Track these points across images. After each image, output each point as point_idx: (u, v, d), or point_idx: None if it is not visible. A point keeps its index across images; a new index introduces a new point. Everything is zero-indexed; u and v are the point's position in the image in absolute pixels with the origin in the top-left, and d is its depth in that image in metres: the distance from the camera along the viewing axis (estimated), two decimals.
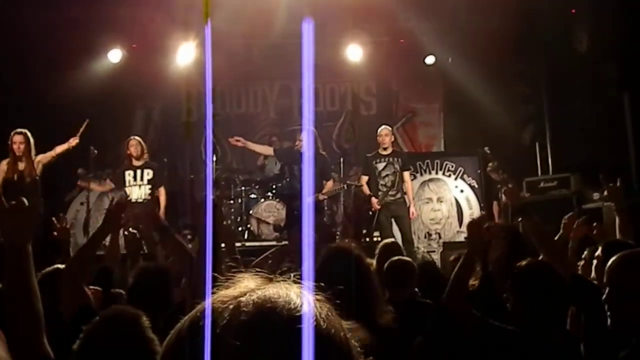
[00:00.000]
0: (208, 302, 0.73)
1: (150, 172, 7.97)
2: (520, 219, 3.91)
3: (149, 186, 7.91)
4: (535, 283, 2.64)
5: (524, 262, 2.77)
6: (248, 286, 0.77)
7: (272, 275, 0.80)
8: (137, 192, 7.88)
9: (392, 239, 6.12)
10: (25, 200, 1.90)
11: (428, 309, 3.60)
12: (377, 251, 4.93)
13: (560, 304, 2.68)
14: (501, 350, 2.62)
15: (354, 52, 10.03)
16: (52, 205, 7.83)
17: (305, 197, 0.99)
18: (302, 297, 0.75)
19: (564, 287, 2.68)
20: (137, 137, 8.10)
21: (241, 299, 0.74)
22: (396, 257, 4.10)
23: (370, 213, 8.11)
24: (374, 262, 4.58)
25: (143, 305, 2.14)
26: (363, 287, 2.57)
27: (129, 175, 7.93)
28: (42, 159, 7.56)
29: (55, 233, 4.00)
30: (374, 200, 8.03)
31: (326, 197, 8.18)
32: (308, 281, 0.81)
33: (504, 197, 7.31)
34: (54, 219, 4.10)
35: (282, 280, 0.79)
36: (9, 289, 1.84)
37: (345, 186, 8.46)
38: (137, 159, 7.94)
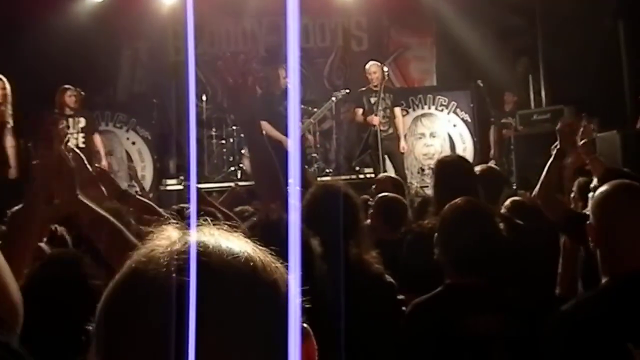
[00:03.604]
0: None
1: (83, 120, 7.81)
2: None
3: (82, 134, 7.74)
4: None
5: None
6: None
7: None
8: (72, 140, 7.68)
9: (390, 175, 6.07)
10: None
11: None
12: (374, 186, 4.86)
13: None
14: None
15: None
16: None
17: (290, 138, 0.94)
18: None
19: None
20: (73, 88, 7.79)
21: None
22: (388, 194, 3.98)
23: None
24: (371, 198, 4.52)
25: None
26: (350, 227, 2.54)
27: (61, 124, 7.73)
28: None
29: None
30: (370, 117, 7.88)
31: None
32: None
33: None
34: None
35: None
36: None
37: (333, 98, 8.40)
38: (72, 108, 7.73)
